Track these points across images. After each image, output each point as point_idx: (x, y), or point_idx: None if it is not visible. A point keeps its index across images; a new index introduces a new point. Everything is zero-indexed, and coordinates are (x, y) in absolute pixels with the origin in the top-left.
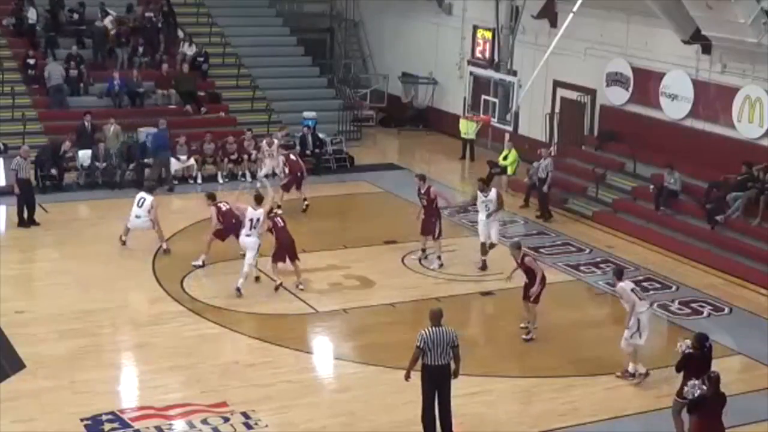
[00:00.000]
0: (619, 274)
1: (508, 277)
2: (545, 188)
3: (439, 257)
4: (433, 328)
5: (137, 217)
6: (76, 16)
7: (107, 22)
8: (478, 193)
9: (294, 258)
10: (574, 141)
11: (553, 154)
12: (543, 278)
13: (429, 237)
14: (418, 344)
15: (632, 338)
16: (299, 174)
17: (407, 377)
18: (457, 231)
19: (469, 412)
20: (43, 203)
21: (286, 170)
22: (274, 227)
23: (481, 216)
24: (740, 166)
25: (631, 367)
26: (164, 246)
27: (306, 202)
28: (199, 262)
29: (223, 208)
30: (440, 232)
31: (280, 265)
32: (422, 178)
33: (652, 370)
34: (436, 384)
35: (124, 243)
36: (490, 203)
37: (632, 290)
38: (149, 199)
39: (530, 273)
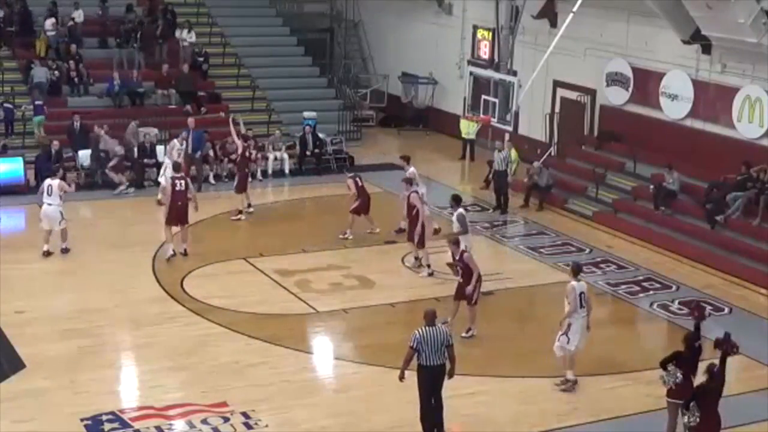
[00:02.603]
0: (577, 271)
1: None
2: (509, 179)
3: (428, 266)
4: (427, 328)
5: (49, 204)
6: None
7: (48, 24)
8: None
9: (367, 212)
10: (574, 141)
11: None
12: (479, 278)
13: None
14: (412, 344)
15: (560, 340)
16: (246, 170)
17: (401, 377)
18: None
19: (469, 412)
20: None
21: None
22: (355, 187)
23: None
24: (740, 166)
25: (569, 375)
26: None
27: (248, 210)
28: (171, 252)
29: (178, 187)
30: (421, 240)
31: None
32: (407, 159)
33: (650, 371)
34: (432, 383)
35: (48, 253)
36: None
37: (580, 294)
38: (56, 183)
39: (467, 271)
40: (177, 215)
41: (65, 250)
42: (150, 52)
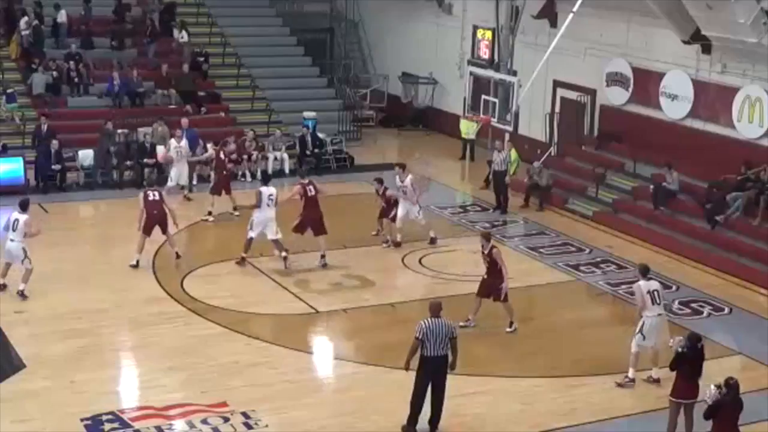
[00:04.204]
0: (645, 272)
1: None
2: (507, 179)
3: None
4: (432, 320)
5: (11, 240)
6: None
7: (22, 23)
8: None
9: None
10: (574, 141)
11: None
12: (506, 273)
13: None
14: (417, 335)
15: (635, 338)
16: (225, 172)
17: (407, 368)
18: (457, 231)
19: (469, 412)
20: (43, 203)
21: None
22: (304, 195)
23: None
24: (740, 166)
25: (631, 373)
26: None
27: (236, 212)
28: (133, 262)
29: (150, 197)
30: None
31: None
32: (402, 167)
33: (650, 371)
34: (432, 375)
35: (4, 287)
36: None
37: (649, 291)
38: (23, 218)
39: (494, 266)
40: (153, 224)
41: (22, 295)
42: (141, 52)
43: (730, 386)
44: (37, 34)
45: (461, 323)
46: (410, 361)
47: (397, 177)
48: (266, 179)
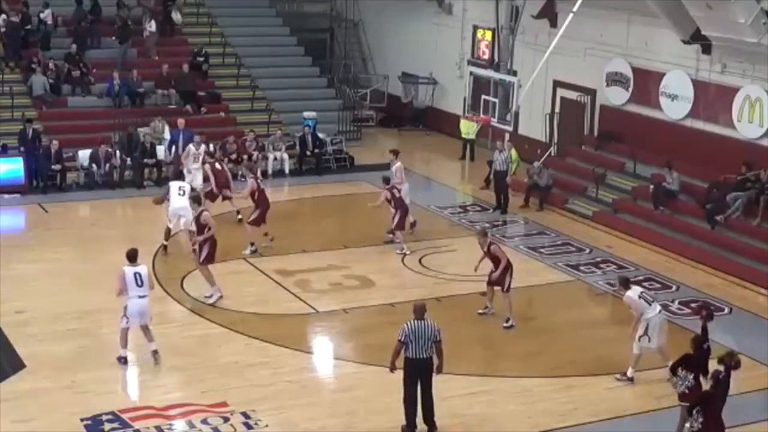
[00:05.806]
0: (626, 283)
1: (476, 267)
2: (507, 179)
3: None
4: (416, 322)
5: (140, 297)
6: (20, 15)
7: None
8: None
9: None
10: (574, 141)
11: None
12: (509, 265)
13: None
14: (400, 337)
15: (640, 341)
16: (225, 180)
17: (392, 369)
18: (457, 231)
19: (469, 412)
20: (43, 203)
21: (212, 180)
22: (257, 189)
23: None
24: (740, 166)
25: (629, 372)
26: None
27: (239, 215)
28: (214, 298)
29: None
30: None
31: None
32: (396, 153)
33: (653, 370)
34: (418, 376)
35: (125, 360)
36: None
37: (640, 296)
38: (144, 270)
39: (496, 261)
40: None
41: (157, 354)
42: (141, 53)
43: (719, 381)
44: (9, 33)
45: (480, 311)
46: (394, 363)
47: (391, 162)
48: (178, 175)
